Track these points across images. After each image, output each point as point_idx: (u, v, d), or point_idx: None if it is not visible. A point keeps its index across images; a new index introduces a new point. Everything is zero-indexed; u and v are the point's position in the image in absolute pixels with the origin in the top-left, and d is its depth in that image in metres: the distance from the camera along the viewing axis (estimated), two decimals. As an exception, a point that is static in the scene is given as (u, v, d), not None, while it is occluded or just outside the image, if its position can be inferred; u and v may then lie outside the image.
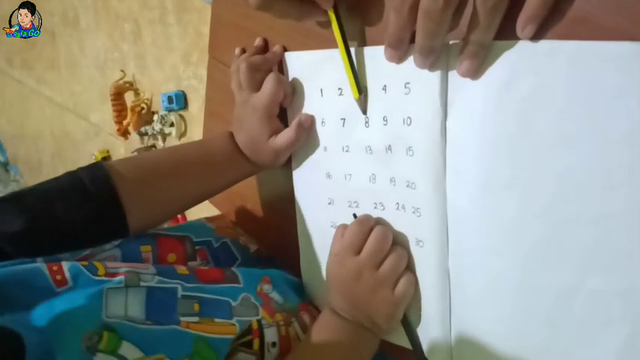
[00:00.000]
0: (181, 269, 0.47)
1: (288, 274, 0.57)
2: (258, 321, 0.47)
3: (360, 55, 0.44)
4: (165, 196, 0.52)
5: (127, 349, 0.37)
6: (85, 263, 0.42)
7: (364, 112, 0.45)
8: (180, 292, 0.44)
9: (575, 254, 0.33)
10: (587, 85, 0.30)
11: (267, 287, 0.51)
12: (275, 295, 0.51)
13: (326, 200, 0.52)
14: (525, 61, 0.32)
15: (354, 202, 0.49)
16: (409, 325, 0.47)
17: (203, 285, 0.46)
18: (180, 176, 0.52)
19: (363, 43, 0.44)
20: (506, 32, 0.33)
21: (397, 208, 0.45)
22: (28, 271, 0.39)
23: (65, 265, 0.40)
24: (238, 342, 0.44)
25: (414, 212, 0.43)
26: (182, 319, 0.42)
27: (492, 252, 0.38)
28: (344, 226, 0.48)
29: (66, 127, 2.53)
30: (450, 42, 0.36)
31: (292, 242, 0.59)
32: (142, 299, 0.41)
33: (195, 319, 0.43)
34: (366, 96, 0.44)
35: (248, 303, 0.48)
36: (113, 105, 1.88)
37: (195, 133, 1.69)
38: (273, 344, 0.46)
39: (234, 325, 0.44)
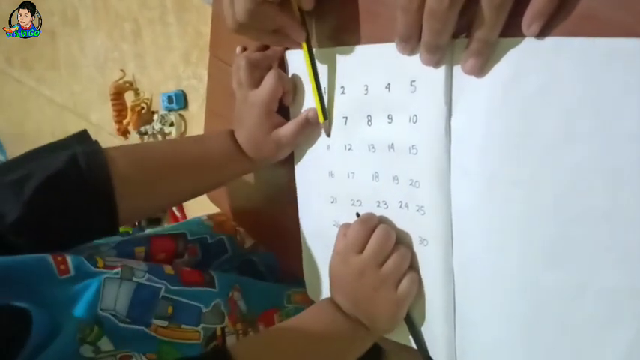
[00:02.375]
0: (168, 269, 0.51)
1: (261, 281, 0.61)
2: (222, 328, 0.51)
3: (365, 54, 0.43)
4: (160, 191, 0.53)
5: (104, 342, 0.42)
6: (86, 256, 0.45)
7: (328, 135, 0.49)
8: (162, 293, 0.48)
9: (583, 253, 0.33)
10: (593, 82, 0.30)
11: (237, 295, 0.56)
12: (241, 304, 0.55)
13: (329, 199, 0.52)
14: (531, 59, 0.32)
15: (357, 200, 0.49)
16: (413, 324, 0.47)
17: (183, 288, 0.50)
18: (177, 174, 0.52)
19: (368, 41, 0.44)
20: (511, 29, 0.32)
21: (400, 207, 0.45)
22: (34, 259, 0.42)
23: (68, 257, 0.44)
24: (208, 348, 0.49)
25: (417, 211, 0.43)
26: (154, 321, 0.47)
27: (498, 250, 0.38)
28: (347, 226, 0.48)
29: (66, 127, 2.53)
30: (456, 39, 0.36)
31: (294, 241, 0.59)
32: (129, 293, 0.46)
33: (165, 323, 0.47)
34: (330, 122, 0.48)
35: (217, 310, 0.52)
36: (113, 104, 1.87)
37: (195, 132, 1.68)
38: None
39: (198, 331, 0.49)
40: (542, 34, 0.31)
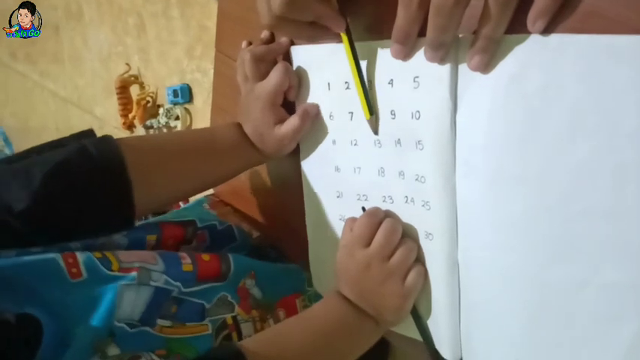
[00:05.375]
0: (187, 264, 0.49)
1: (278, 263, 0.59)
2: (234, 317, 0.50)
3: (367, 49, 0.44)
4: (173, 178, 0.51)
5: (111, 347, 0.41)
6: (99, 255, 0.43)
7: (375, 132, 0.45)
8: (173, 294, 0.47)
9: (586, 248, 0.33)
10: (597, 78, 0.30)
11: (249, 282, 0.54)
12: (255, 291, 0.54)
13: (335, 193, 0.52)
14: (536, 55, 0.32)
15: (363, 195, 0.49)
16: (419, 317, 0.48)
17: (194, 289, 0.49)
18: (188, 160, 0.51)
19: (371, 36, 0.44)
20: (517, 26, 0.33)
21: (406, 202, 0.45)
22: (43, 262, 0.40)
23: (80, 257, 0.42)
24: (220, 336, 0.48)
25: (423, 205, 0.43)
26: (158, 321, 0.45)
27: (502, 245, 0.38)
28: (353, 220, 0.48)
29: (70, 121, 2.53)
30: (460, 35, 0.36)
31: (299, 235, 0.59)
32: (147, 299, 0.44)
33: (169, 323, 0.46)
34: (377, 117, 0.45)
35: (223, 302, 0.50)
36: (119, 98, 1.87)
37: (201, 126, 1.68)
38: None
39: (205, 324, 0.48)
40: (547, 31, 0.32)
